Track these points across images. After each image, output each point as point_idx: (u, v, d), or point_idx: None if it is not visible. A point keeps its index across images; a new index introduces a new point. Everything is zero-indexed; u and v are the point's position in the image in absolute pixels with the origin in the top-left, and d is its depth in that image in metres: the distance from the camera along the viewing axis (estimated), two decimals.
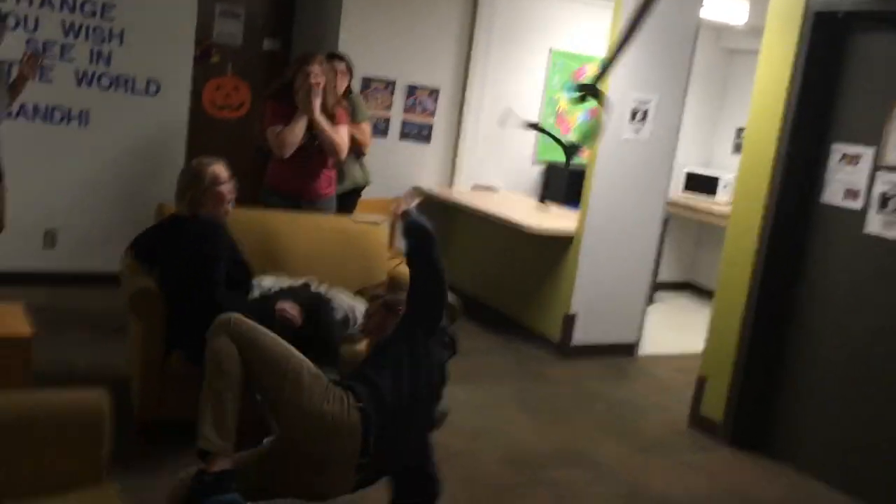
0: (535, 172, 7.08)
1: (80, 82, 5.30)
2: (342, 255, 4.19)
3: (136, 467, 3.25)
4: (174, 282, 3.41)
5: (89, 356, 4.31)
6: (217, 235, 3.45)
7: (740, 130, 7.61)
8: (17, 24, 5.04)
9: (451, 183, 6.60)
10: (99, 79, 5.36)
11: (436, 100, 6.39)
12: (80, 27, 5.21)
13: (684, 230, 7.90)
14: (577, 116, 7.19)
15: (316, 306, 3.52)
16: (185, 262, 3.38)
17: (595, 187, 5.35)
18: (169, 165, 5.55)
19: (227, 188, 3.54)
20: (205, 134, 6.24)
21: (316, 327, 3.45)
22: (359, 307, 3.86)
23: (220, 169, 3.53)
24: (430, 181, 6.54)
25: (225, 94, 6.35)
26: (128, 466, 3.21)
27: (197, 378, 3.39)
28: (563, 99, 7.07)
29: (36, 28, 5.10)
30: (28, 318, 3.24)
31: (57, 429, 2.23)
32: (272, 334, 2.63)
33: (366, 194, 5.92)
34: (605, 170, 5.35)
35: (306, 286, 3.86)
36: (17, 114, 5.09)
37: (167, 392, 3.44)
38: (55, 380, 3.75)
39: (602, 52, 5.58)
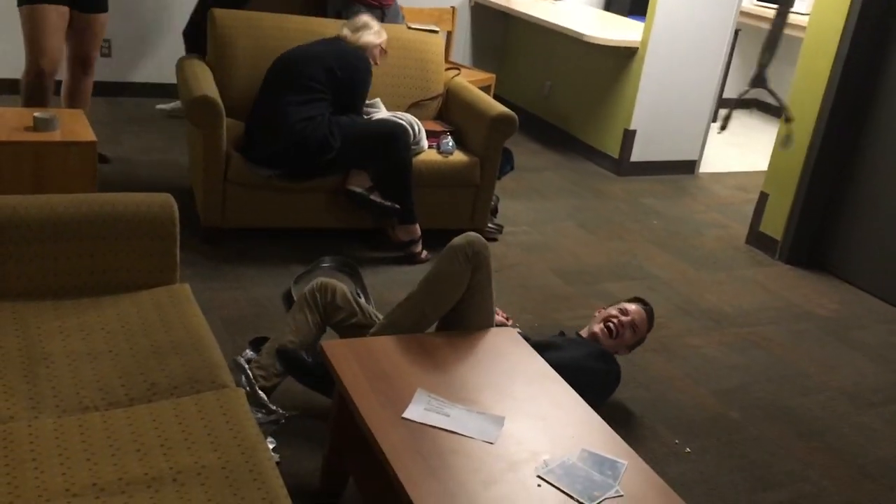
0: None
1: None
2: (398, 65, 4.09)
3: (203, 272, 3.38)
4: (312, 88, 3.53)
5: (150, 165, 4.39)
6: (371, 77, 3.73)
7: None
8: None
9: None
10: None
11: None
12: None
13: (754, 44, 7.49)
14: None
15: (387, 140, 3.58)
16: (331, 74, 3.55)
17: None
18: None
19: None
20: None
21: (387, 162, 3.59)
22: (414, 119, 3.83)
23: None
24: None
25: None
26: (196, 270, 3.35)
27: (256, 185, 3.48)
28: None
29: None
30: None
31: (129, 230, 2.29)
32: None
33: (419, 3, 5.71)
34: None
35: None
36: None
37: (229, 199, 3.51)
38: (118, 187, 3.86)
39: None
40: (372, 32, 3.72)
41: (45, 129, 2.99)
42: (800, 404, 3.09)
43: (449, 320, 2.45)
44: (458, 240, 2.42)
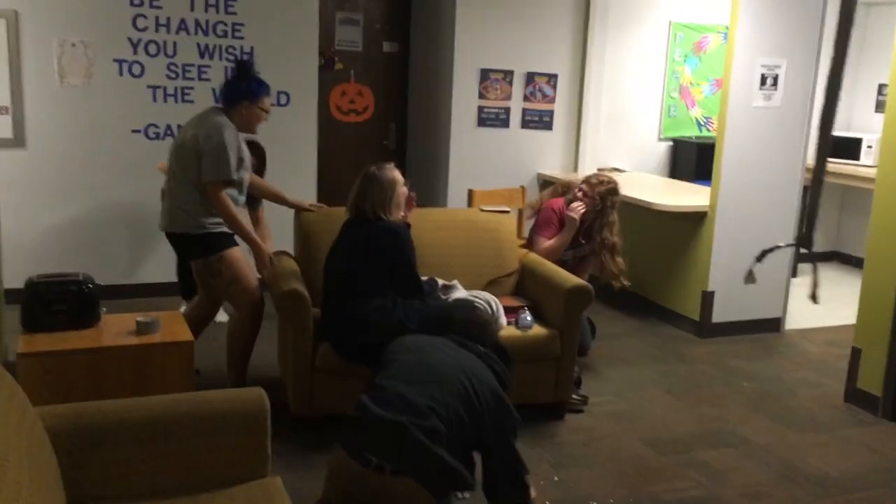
0: (661, 150, 6.93)
1: (217, 100, 5.58)
2: (474, 246, 4.25)
3: (293, 462, 3.42)
4: (355, 278, 3.52)
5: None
6: (410, 242, 3.60)
7: (882, 87, 7.16)
8: (157, 51, 5.39)
9: (574, 167, 6.54)
10: None
11: (555, 86, 6.36)
12: (214, 48, 5.50)
13: (826, 198, 7.50)
14: (703, 90, 6.98)
15: (474, 336, 3.32)
16: (377, 265, 3.51)
17: (726, 159, 5.18)
18: (304, 168, 5.81)
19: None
20: (333, 138, 6.47)
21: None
22: (491, 297, 3.92)
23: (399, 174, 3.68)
24: (554, 167, 6.51)
25: (349, 100, 6.56)
26: (286, 461, 3.39)
27: (344, 372, 3.55)
28: (686, 72, 6.88)
29: (175, 53, 5.43)
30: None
31: (224, 426, 2.38)
32: None
33: (490, 184, 5.97)
34: (735, 141, 5.17)
35: (432, 282, 3.94)
36: (166, 134, 5.44)
37: (317, 387, 3.60)
38: (210, 382, 4.00)
39: (723, 19, 5.41)
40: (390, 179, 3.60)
41: (146, 332, 3.19)
42: None
43: None
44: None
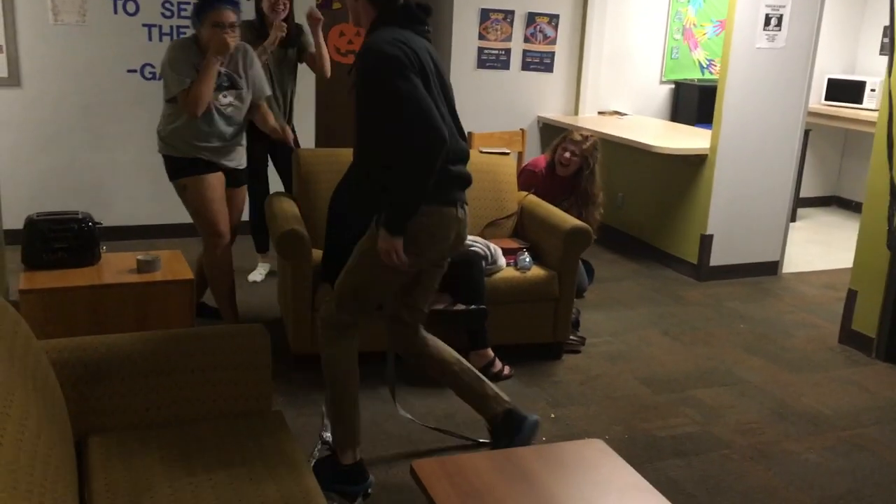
0: (663, 93, 6.87)
1: None
2: (473, 188, 4.18)
3: (295, 399, 3.47)
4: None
5: (240, 295, 4.57)
6: None
7: (887, 28, 7.07)
8: None
9: (575, 111, 6.50)
10: None
11: (556, 26, 6.27)
12: None
13: (827, 142, 7.48)
14: (706, 31, 6.89)
15: (464, 266, 3.62)
16: None
17: (728, 102, 5.14)
18: (303, 110, 5.75)
19: None
20: (331, 79, 6.40)
21: (466, 286, 3.65)
22: (491, 243, 3.92)
23: None
24: (555, 110, 6.47)
25: (348, 41, 6.47)
26: (288, 399, 3.44)
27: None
28: (690, 13, 6.78)
29: None
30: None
31: (225, 361, 2.41)
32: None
33: (490, 127, 5.93)
34: (737, 83, 5.12)
35: None
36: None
37: (317, 327, 3.62)
38: (211, 321, 4.03)
39: None
40: None
41: (147, 270, 3.20)
42: None
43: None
44: (320, 325, 2.86)
